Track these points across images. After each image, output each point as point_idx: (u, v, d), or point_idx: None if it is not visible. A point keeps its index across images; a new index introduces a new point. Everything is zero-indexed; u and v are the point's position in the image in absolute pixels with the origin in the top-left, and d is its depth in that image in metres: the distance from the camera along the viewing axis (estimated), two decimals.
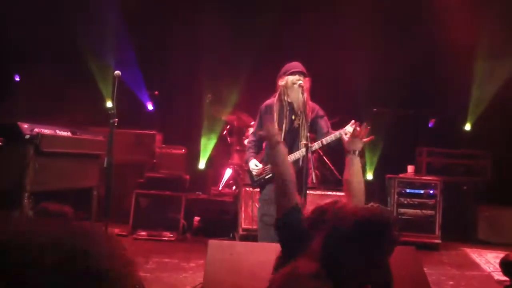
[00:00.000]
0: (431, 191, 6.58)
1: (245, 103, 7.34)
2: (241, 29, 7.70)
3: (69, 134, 5.20)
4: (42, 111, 6.88)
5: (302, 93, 3.98)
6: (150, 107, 8.01)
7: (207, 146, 7.61)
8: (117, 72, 4.24)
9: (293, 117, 4.11)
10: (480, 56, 7.48)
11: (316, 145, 3.97)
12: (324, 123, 4.22)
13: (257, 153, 4.31)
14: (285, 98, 4.13)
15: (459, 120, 7.89)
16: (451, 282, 4.89)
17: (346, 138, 3.26)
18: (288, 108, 4.13)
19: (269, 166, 4.09)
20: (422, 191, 6.59)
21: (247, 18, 7.73)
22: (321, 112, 4.26)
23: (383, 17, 7.61)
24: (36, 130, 4.64)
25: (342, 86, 7.74)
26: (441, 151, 7.41)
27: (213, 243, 3.45)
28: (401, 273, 3.33)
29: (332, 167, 7.15)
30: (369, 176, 7.45)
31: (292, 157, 3.96)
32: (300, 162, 3.96)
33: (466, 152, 7.44)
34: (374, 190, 7.19)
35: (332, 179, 7.07)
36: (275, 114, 4.15)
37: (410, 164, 6.94)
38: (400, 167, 6.97)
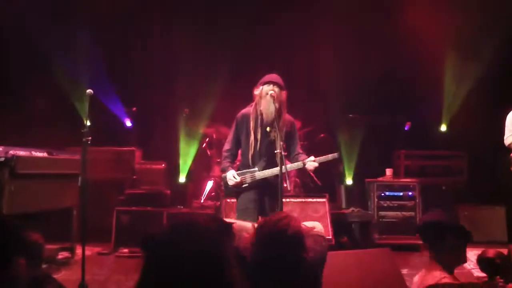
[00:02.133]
0: (410, 193, 6.67)
1: (222, 115, 7.38)
2: (215, 40, 7.76)
3: (45, 154, 5.17)
4: (17, 132, 6.84)
5: (274, 104, 4.03)
6: (128, 123, 8.00)
7: (186, 160, 7.61)
8: (89, 90, 4.24)
9: (268, 129, 4.14)
10: (451, 56, 7.63)
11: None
12: (296, 143, 4.33)
13: (232, 162, 4.31)
14: (261, 108, 4.15)
15: (434, 121, 8.03)
16: None
17: (307, 165, 4.03)
18: (263, 119, 4.15)
19: (245, 176, 4.15)
20: (401, 193, 6.69)
21: (220, 30, 7.80)
22: (296, 129, 4.35)
23: (354, 22, 7.74)
24: (11, 152, 4.61)
25: (316, 94, 7.85)
26: (418, 153, 7.54)
27: None
28: (377, 275, 3.38)
29: (313, 174, 7.21)
30: (349, 181, 7.53)
31: (274, 171, 4.02)
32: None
33: (442, 153, 7.57)
34: (355, 194, 7.26)
35: (313, 186, 7.12)
36: (251, 123, 4.17)
37: (389, 167, 7.04)
38: (379, 171, 7.06)
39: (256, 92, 4.17)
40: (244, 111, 4.29)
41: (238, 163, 4.46)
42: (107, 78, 7.69)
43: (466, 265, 5.61)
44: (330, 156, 4.15)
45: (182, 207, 7.19)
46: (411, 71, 7.81)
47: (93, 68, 7.55)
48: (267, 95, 4.05)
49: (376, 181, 6.79)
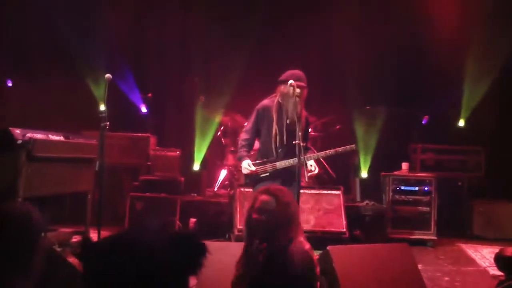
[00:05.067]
0: (426, 188, 6.59)
1: (238, 104, 7.35)
2: (232, 29, 7.70)
3: (62, 138, 5.18)
4: (35, 116, 6.88)
5: (299, 104, 4.20)
6: (144, 109, 8.00)
7: (201, 147, 7.59)
8: (108, 75, 4.23)
9: (288, 121, 4.25)
10: (472, 50, 7.49)
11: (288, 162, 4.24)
12: (307, 139, 4.56)
13: (248, 152, 4.38)
14: (284, 104, 4.25)
15: (452, 116, 7.91)
16: (447, 278, 4.90)
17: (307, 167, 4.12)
18: (285, 114, 4.25)
19: (265, 166, 4.25)
20: (416, 188, 6.61)
21: (237, 18, 7.74)
22: (309, 126, 4.56)
23: (374, 13, 7.64)
24: (28, 135, 4.62)
25: (334, 84, 7.77)
26: (435, 148, 7.42)
27: (206, 244, 3.44)
28: (395, 270, 3.34)
29: (327, 166, 7.15)
30: (364, 174, 7.46)
31: (295, 160, 4.05)
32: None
33: (460, 148, 7.46)
34: (369, 188, 7.20)
35: (327, 178, 7.07)
36: (274, 115, 4.26)
37: (405, 161, 6.95)
38: (395, 164, 6.98)
39: (284, 90, 4.22)
40: (265, 103, 4.36)
41: (252, 152, 4.53)
42: (123, 64, 7.69)
43: (481, 262, 5.57)
44: (348, 148, 4.33)
45: (195, 194, 7.21)
46: (431, 64, 7.70)
47: (110, 53, 7.55)
48: (294, 95, 4.14)
49: (391, 174, 6.72)
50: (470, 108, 7.77)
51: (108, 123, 4.16)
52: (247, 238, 2.94)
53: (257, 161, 4.30)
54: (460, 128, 7.86)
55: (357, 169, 7.47)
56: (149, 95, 7.79)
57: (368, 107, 7.57)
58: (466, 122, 7.82)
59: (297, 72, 4.27)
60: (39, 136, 4.75)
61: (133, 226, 1.50)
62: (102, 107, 4.49)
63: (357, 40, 7.52)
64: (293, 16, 7.95)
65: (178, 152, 7.23)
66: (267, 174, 4.25)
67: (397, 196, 6.59)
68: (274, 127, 4.23)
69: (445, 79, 7.67)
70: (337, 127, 7.31)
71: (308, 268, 2.57)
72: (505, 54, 7.30)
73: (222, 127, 7.43)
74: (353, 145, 4.34)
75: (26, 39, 7.67)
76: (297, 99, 4.15)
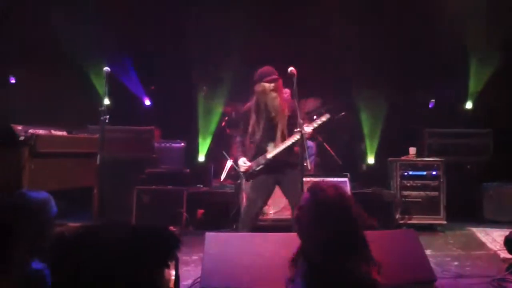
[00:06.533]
0: (434, 172, 6.51)
1: (241, 93, 7.29)
2: (233, 18, 7.62)
3: (64, 133, 5.17)
4: (39, 112, 6.88)
5: (277, 97, 4.51)
6: (147, 102, 7.97)
7: (205, 138, 7.56)
8: (106, 68, 4.20)
9: (273, 114, 4.53)
10: (477, 32, 7.35)
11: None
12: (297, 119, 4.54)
13: (243, 151, 4.70)
14: (262, 103, 4.52)
15: (459, 99, 7.79)
16: (456, 263, 4.84)
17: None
18: (265, 111, 4.54)
19: (258, 160, 4.54)
20: (424, 173, 6.53)
21: (239, 7, 7.65)
22: (297, 107, 4.50)
23: None
24: (30, 131, 4.62)
25: (338, 70, 7.65)
26: (442, 132, 7.31)
27: (210, 235, 3.43)
28: (401, 256, 3.29)
29: (333, 153, 7.09)
30: (371, 160, 7.39)
31: (281, 147, 4.44)
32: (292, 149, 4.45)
33: (467, 131, 7.34)
34: (376, 174, 7.14)
35: (333, 165, 7.02)
36: (253, 115, 4.58)
37: (412, 146, 6.86)
38: (402, 149, 6.90)
39: (259, 89, 4.51)
40: (248, 105, 4.72)
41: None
42: (125, 57, 7.66)
43: (491, 246, 5.50)
44: (324, 118, 4.51)
45: (201, 186, 7.19)
46: (436, 47, 7.57)
47: (112, 46, 7.52)
48: (270, 91, 4.47)
49: (399, 160, 6.64)
50: (477, 89, 7.66)
51: (108, 116, 4.13)
52: None
53: (252, 157, 4.61)
54: (468, 110, 7.75)
55: (364, 155, 7.40)
56: (152, 87, 7.77)
57: (372, 92, 7.47)
58: (474, 104, 7.70)
59: (265, 68, 4.55)
60: (41, 131, 4.75)
61: (99, 221, 1.54)
62: (106, 101, 4.48)
63: (363, 22, 7.42)
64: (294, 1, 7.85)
65: (182, 144, 7.20)
66: (262, 166, 4.54)
67: (405, 182, 6.52)
68: (255, 125, 4.57)
69: (451, 61, 7.54)
70: (342, 113, 7.24)
71: None
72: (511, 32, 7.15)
73: (226, 117, 7.39)
74: (327, 114, 4.51)
75: (28, 35, 7.65)
76: (274, 93, 4.47)
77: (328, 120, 4.53)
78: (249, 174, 4.62)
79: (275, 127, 4.52)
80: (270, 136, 4.55)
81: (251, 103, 4.70)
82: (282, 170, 4.46)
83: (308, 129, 4.36)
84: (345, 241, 1.97)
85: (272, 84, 4.47)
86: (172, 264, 1.32)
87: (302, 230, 2.08)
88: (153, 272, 1.24)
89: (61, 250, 1.24)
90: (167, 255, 1.28)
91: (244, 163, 4.60)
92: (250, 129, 4.66)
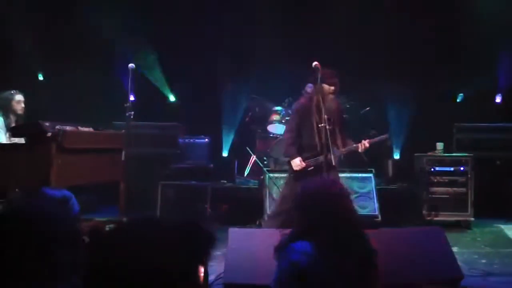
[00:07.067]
0: (462, 168, 6.38)
1: (265, 89, 7.29)
2: (259, 13, 7.60)
3: (91, 129, 5.25)
4: (66, 109, 7.01)
5: (335, 100, 4.83)
6: (172, 98, 8.04)
7: (229, 134, 7.58)
8: (131, 65, 4.24)
9: (326, 117, 4.59)
10: (507, 24, 7.14)
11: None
12: (345, 127, 5.06)
13: (297, 149, 4.80)
14: (320, 104, 4.61)
15: (489, 93, 7.59)
16: (484, 261, 4.73)
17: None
18: (321, 112, 4.61)
19: (310, 161, 4.72)
20: (452, 169, 6.41)
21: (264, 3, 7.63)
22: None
23: None
24: (57, 127, 4.69)
25: (363, 63, 7.53)
26: (471, 126, 7.11)
27: (233, 231, 3.44)
28: (428, 253, 3.24)
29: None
30: (397, 155, 7.27)
31: (335, 153, 4.66)
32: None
33: (497, 126, 7.13)
34: (403, 169, 7.02)
35: (357, 160, 6.92)
36: (309, 115, 4.73)
37: (439, 141, 6.72)
38: (429, 144, 6.77)
39: (319, 89, 4.65)
40: (304, 102, 4.90)
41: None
42: (151, 53, 7.73)
43: None
44: (383, 137, 5.00)
45: (225, 181, 7.21)
46: (465, 40, 7.38)
47: (138, 42, 7.59)
48: (329, 93, 4.70)
49: (426, 155, 6.52)
50: (508, 83, 7.44)
51: (133, 112, 4.17)
52: None
53: (304, 156, 4.74)
54: (498, 104, 7.55)
55: (390, 150, 7.28)
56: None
57: (399, 86, 7.33)
58: (504, 98, 7.49)
59: (328, 71, 4.65)
60: (68, 128, 4.82)
61: (138, 217, 1.46)
62: (131, 98, 4.53)
63: (389, 15, 7.30)
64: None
65: (206, 140, 7.24)
66: (312, 167, 4.71)
67: (431, 177, 6.40)
68: (315, 124, 4.65)
69: (480, 54, 7.34)
70: (367, 108, 7.14)
71: None
72: None
73: (250, 113, 7.39)
74: (386, 135, 4.95)
75: (56, 33, 7.78)
76: (332, 96, 4.71)
77: (385, 140, 4.98)
78: (300, 174, 4.66)
79: (332, 130, 4.68)
80: (329, 138, 4.58)
81: (306, 102, 4.86)
82: (327, 171, 4.51)
83: (366, 144, 4.71)
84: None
85: (332, 88, 4.68)
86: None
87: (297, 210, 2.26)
88: (192, 269, 1.24)
89: (99, 247, 1.22)
90: (204, 252, 1.27)
91: (300, 161, 4.72)
92: (305, 127, 4.78)
